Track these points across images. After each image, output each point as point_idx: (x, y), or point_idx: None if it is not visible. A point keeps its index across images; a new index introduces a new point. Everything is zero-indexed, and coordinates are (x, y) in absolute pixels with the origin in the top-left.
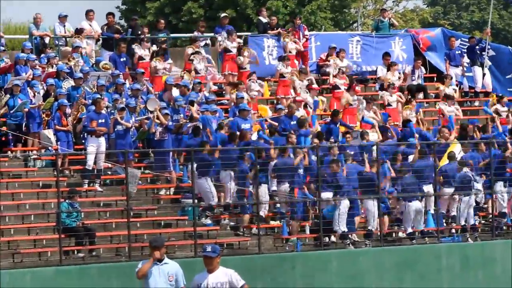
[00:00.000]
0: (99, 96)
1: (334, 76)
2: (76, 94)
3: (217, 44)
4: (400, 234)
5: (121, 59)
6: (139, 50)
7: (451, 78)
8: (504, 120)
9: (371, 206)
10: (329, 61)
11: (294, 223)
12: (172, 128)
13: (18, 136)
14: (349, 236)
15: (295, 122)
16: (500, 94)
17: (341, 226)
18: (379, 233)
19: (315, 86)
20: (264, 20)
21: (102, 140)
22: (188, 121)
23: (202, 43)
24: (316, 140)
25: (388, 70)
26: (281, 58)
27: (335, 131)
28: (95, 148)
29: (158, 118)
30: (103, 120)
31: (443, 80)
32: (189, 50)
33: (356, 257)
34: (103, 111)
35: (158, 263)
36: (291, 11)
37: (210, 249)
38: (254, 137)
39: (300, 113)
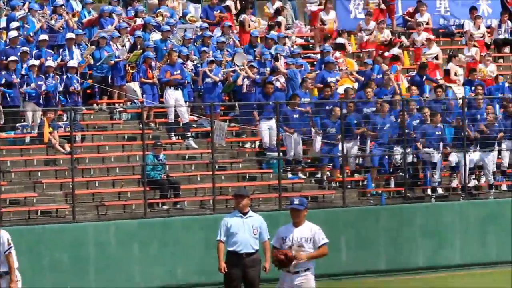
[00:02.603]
0: (175, 48)
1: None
2: (164, 47)
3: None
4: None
5: (214, 12)
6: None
7: None
8: None
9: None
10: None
11: (379, 177)
12: (259, 82)
13: (103, 89)
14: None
15: (381, 76)
16: None
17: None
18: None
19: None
20: None
21: (179, 92)
22: (270, 74)
23: None
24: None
25: (474, 23)
26: (366, 14)
27: (422, 85)
28: (173, 100)
29: (246, 72)
30: (178, 71)
31: None
32: (271, 5)
33: (440, 211)
34: (189, 64)
35: (243, 216)
36: None
37: (297, 202)
38: (340, 90)
39: (384, 67)
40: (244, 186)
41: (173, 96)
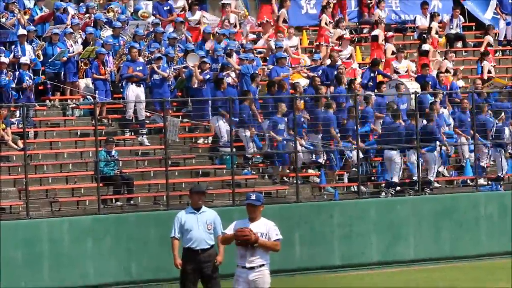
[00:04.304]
0: (133, 45)
1: (376, 27)
2: (116, 44)
3: None
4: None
5: (164, 8)
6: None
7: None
8: None
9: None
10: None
11: (331, 172)
12: (211, 78)
13: (56, 85)
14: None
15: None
16: None
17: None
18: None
19: (347, 36)
20: None
21: (141, 89)
22: (221, 70)
23: None
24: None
25: (432, 20)
26: (324, 7)
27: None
28: (134, 97)
29: (194, 73)
30: (141, 68)
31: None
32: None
33: (394, 206)
34: (140, 59)
35: (196, 212)
36: None
37: (254, 197)
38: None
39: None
40: (198, 182)
41: (135, 93)
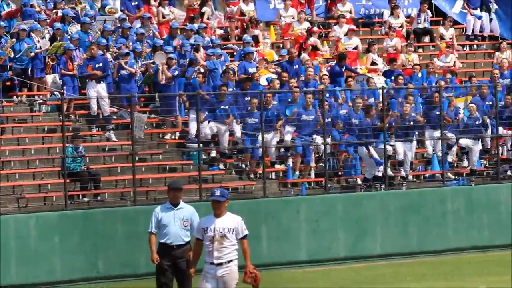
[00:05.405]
0: (99, 41)
1: (337, 23)
2: (86, 39)
3: None
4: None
5: (133, 3)
6: None
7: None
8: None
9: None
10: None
11: (299, 167)
12: (179, 74)
13: (23, 81)
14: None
15: (297, 67)
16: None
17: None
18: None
19: (316, 29)
20: None
21: (102, 85)
22: (188, 65)
23: None
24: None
25: (392, 13)
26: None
27: (341, 76)
28: (95, 93)
29: (163, 71)
30: (100, 64)
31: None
32: None
33: (360, 201)
34: (108, 55)
35: (174, 208)
36: None
37: (218, 193)
38: (262, 81)
39: (304, 57)
40: (164, 177)
41: (95, 90)
